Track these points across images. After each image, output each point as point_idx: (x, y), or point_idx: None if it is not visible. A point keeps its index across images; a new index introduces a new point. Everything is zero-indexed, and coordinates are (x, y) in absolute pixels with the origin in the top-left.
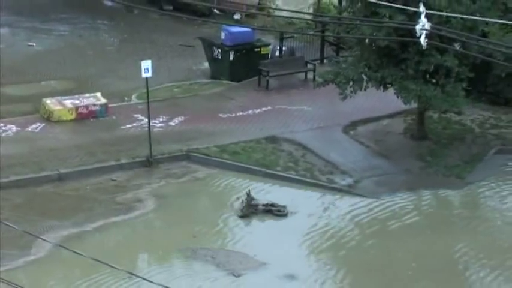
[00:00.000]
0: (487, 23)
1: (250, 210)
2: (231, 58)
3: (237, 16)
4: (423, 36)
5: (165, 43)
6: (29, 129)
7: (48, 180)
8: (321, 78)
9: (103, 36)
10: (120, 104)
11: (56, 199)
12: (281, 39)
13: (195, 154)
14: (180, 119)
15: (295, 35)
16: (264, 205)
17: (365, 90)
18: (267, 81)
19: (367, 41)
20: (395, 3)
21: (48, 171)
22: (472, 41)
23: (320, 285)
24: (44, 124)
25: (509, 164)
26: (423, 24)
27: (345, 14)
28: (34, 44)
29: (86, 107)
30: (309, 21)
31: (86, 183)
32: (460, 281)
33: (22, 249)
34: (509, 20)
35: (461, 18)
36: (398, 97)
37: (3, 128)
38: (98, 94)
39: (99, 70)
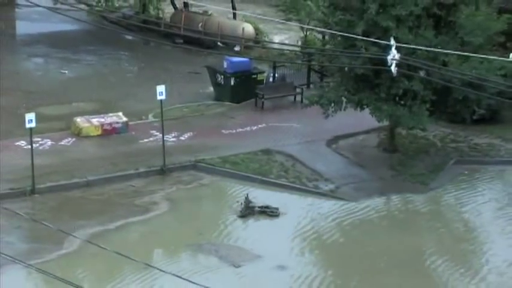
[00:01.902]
0: (446, 54)
1: (248, 211)
2: (232, 83)
3: (237, 48)
4: (393, 65)
5: (177, 71)
6: (62, 143)
7: (77, 186)
8: (308, 100)
9: (124, 65)
10: (138, 122)
11: (84, 202)
12: (274, 68)
13: (201, 164)
14: (189, 134)
15: (286, 64)
16: (259, 207)
17: (345, 110)
18: (262, 102)
19: (346, 69)
20: (370, 37)
21: (78, 178)
22: (434, 69)
23: (306, 274)
24: (74, 139)
25: (466, 172)
26: (393, 55)
27: (327, 46)
28: (66, 72)
29: (110, 124)
30: (298, 52)
31: (110, 188)
32: (420, 269)
33: (56, 244)
34: (465, 52)
35: (426, 50)
36: (372, 116)
37: (40, 142)
38: (120, 113)
39: (121, 93)
